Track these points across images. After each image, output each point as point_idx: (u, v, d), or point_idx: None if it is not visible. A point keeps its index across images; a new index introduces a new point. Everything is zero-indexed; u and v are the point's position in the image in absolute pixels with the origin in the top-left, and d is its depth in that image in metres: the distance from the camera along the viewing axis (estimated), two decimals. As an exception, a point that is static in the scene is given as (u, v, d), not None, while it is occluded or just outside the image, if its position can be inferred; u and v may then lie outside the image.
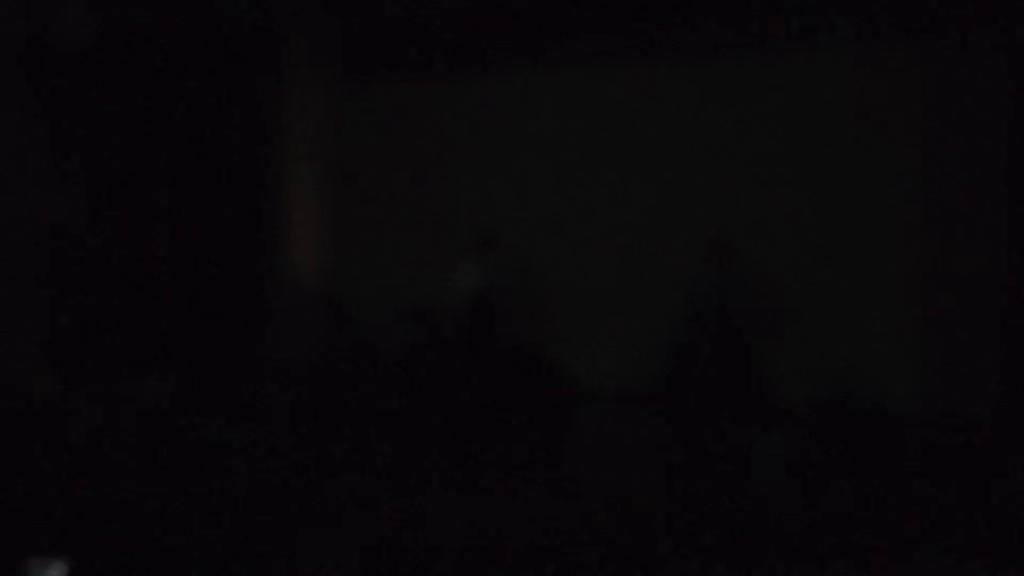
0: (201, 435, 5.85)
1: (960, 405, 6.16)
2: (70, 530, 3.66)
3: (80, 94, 6.70)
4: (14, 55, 6.31)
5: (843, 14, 6.45)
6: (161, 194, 7.62)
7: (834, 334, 6.42)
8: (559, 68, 7.35)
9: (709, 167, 6.85)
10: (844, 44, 6.50)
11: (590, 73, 7.27)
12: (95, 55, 6.78)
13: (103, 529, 3.76)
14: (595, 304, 7.06)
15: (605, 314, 7.02)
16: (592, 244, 7.12)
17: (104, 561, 3.36)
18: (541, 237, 7.24)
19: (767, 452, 5.45)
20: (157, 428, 6.01)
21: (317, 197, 8.39)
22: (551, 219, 7.19)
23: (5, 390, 5.99)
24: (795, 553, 3.81)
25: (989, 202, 6.15)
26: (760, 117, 6.72)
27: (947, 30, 6.23)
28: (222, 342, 7.62)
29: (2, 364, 6.17)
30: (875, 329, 6.33)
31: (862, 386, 5.46)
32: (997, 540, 3.92)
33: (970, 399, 6.16)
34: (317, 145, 8.36)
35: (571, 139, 7.29)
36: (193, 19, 7.33)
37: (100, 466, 4.92)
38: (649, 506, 4.34)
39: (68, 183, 6.67)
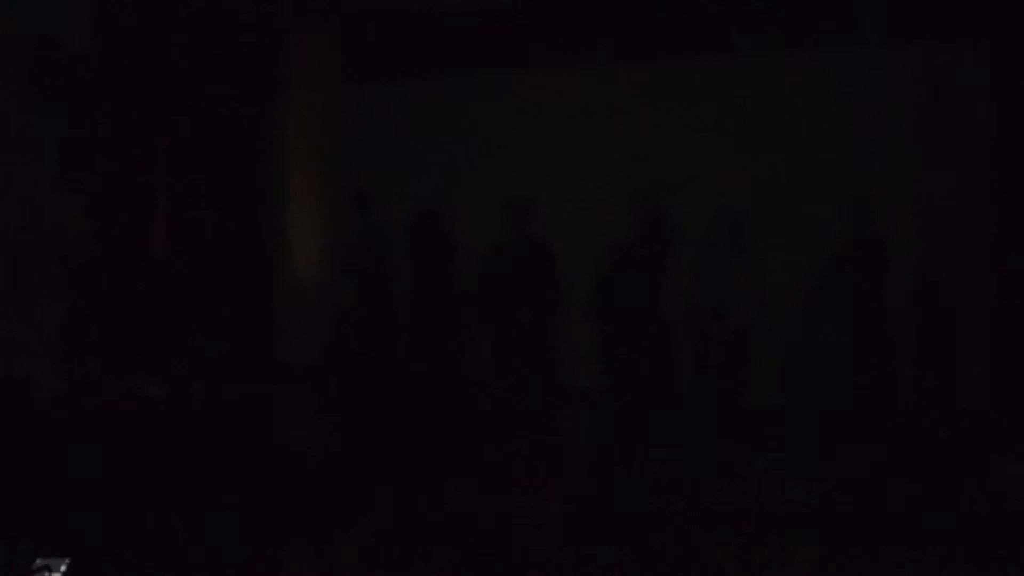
0: (202, 433, 5.88)
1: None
2: (70, 530, 3.69)
3: (82, 95, 6.75)
4: (22, 56, 6.36)
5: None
6: (161, 194, 7.66)
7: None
8: (563, 68, 7.35)
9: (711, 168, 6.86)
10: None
11: (594, 73, 7.28)
12: (98, 56, 6.81)
13: (103, 529, 3.80)
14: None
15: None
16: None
17: (104, 561, 3.40)
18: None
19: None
20: (159, 427, 6.04)
21: (317, 197, 8.42)
22: (555, 219, 7.03)
23: (5, 387, 6.01)
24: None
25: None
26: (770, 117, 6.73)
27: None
28: (222, 341, 7.66)
29: (2, 361, 6.21)
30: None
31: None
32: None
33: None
34: (317, 145, 8.39)
35: (577, 138, 7.29)
36: (193, 20, 7.35)
37: (100, 465, 4.95)
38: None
39: (70, 183, 6.71)
